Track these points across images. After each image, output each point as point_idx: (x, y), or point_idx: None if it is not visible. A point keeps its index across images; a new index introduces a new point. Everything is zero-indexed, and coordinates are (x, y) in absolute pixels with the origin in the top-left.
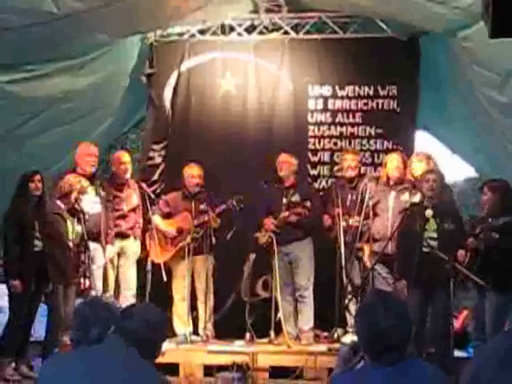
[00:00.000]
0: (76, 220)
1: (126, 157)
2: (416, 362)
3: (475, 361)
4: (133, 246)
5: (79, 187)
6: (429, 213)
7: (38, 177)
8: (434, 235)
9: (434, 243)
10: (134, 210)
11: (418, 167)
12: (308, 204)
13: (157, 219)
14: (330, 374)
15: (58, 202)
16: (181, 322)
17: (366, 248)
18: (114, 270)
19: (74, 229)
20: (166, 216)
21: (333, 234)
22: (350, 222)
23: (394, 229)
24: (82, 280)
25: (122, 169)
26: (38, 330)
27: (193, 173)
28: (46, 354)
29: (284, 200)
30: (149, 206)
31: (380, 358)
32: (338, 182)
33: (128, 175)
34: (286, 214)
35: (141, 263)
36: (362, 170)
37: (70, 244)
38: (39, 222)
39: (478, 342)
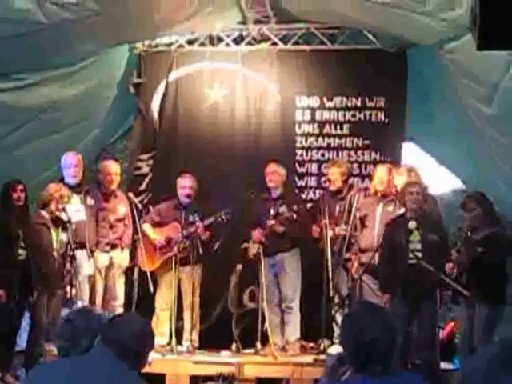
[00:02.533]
0: (60, 229)
1: (113, 167)
2: (405, 374)
3: (463, 370)
4: (120, 256)
5: (58, 196)
6: (412, 224)
7: (20, 186)
8: (419, 246)
9: (419, 254)
10: (121, 220)
11: (398, 180)
12: (293, 211)
13: (146, 227)
14: None
15: (42, 212)
16: (159, 333)
17: (354, 259)
18: (102, 279)
19: (58, 238)
20: (156, 225)
21: (321, 245)
22: (337, 230)
23: (380, 240)
24: (67, 289)
25: (107, 180)
26: (24, 340)
27: (184, 184)
28: (29, 364)
29: (271, 211)
30: (136, 216)
31: (364, 368)
32: (326, 194)
33: (114, 186)
34: (272, 221)
35: (128, 273)
36: (350, 181)
37: (55, 253)
38: (23, 231)
39: (464, 354)
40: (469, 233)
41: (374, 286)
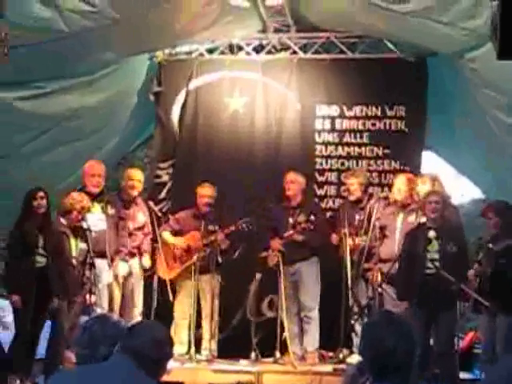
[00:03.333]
0: (80, 237)
1: (136, 174)
2: None
3: (486, 380)
4: (139, 265)
5: (80, 207)
6: (432, 234)
7: (41, 194)
8: (437, 256)
9: (437, 264)
10: (140, 228)
11: (421, 189)
12: (312, 219)
13: (166, 235)
14: None
15: (61, 220)
16: (178, 341)
17: (375, 269)
18: (120, 288)
19: (77, 246)
20: (176, 234)
21: (341, 253)
22: (357, 240)
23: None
24: (89, 297)
25: (129, 185)
26: (43, 347)
27: (204, 193)
28: (48, 372)
29: (290, 220)
30: (156, 225)
31: (383, 378)
32: (347, 202)
33: (135, 192)
34: (291, 232)
35: (147, 281)
36: (370, 190)
37: (74, 261)
38: (44, 238)
39: (485, 364)
40: (490, 244)
41: (395, 296)
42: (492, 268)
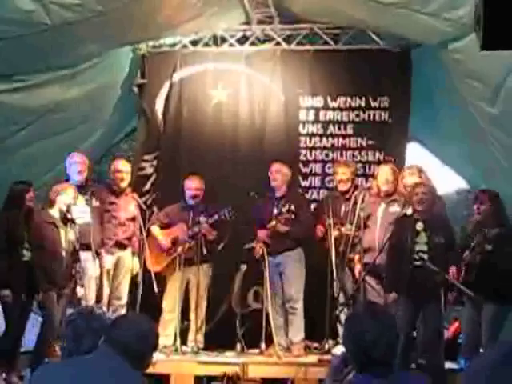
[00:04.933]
0: (68, 227)
1: (123, 165)
2: (408, 374)
3: (468, 370)
4: (129, 259)
5: (65, 195)
6: (419, 225)
7: (30, 190)
8: (425, 248)
9: (425, 256)
10: (131, 219)
11: (409, 180)
12: (292, 212)
13: (155, 229)
14: None
15: (50, 211)
16: (164, 334)
17: (356, 259)
18: (109, 280)
19: (66, 237)
20: (165, 227)
21: (326, 245)
22: (343, 230)
23: (381, 240)
24: (77, 289)
25: (117, 177)
26: (27, 340)
27: (191, 185)
28: (37, 363)
29: (275, 210)
30: (140, 217)
31: (366, 369)
32: (332, 194)
33: (124, 184)
34: (273, 223)
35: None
36: (355, 181)
37: (63, 252)
38: (28, 232)
39: (470, 354)
40: (484, 229)
41: (377, 287)
42: (481, 255)
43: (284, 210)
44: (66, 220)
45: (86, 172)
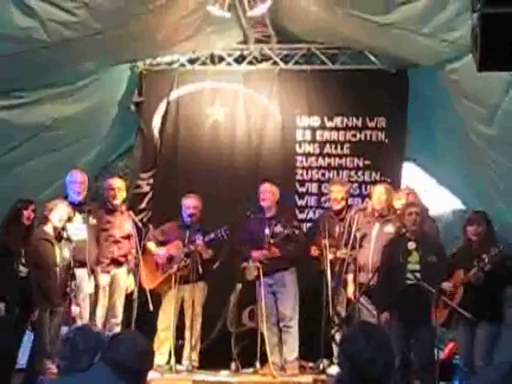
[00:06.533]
0: (63, 245)
1: (116, 183)
2: None
3: None
4: (124, 277)
5: (58, 211)
6: (411, 245)
7: (32, 206)
8: (417, 267)
9: (417, 275)
10: (127, 237)
11: (398, 203)
12: (286, 231)
13: (150, 245)
14: None
15: (45, 228)
16: (159, 352)
17: (350, 279)
18: (105, 298)
19: (61, 254)
20: (160, 244)
21: (321, 266)
22: (338, 253)
23: (375, 260)
24: (72, 307)
25: (111, 194)
26: (24, 359)
27: (188, 203)
28: (28, 382)
29: (267, 231)
30: (136, 235)
31: None
32: (326, 213)
33: (117, 201)
34: (265, 252)
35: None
36: (350, 201)
37: (58, 270)
38: (25, 248)
39: (466, 375)
40: (483, 254)
41: (371, 307)
42: (478, 275)
43: (277, 230)
44: (61, 237)
45: (84, 192)
